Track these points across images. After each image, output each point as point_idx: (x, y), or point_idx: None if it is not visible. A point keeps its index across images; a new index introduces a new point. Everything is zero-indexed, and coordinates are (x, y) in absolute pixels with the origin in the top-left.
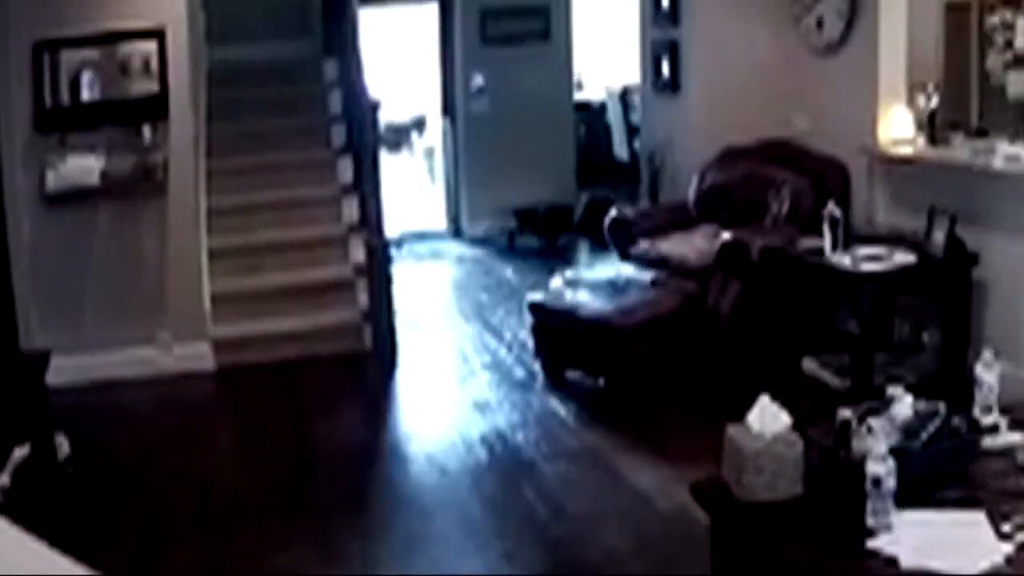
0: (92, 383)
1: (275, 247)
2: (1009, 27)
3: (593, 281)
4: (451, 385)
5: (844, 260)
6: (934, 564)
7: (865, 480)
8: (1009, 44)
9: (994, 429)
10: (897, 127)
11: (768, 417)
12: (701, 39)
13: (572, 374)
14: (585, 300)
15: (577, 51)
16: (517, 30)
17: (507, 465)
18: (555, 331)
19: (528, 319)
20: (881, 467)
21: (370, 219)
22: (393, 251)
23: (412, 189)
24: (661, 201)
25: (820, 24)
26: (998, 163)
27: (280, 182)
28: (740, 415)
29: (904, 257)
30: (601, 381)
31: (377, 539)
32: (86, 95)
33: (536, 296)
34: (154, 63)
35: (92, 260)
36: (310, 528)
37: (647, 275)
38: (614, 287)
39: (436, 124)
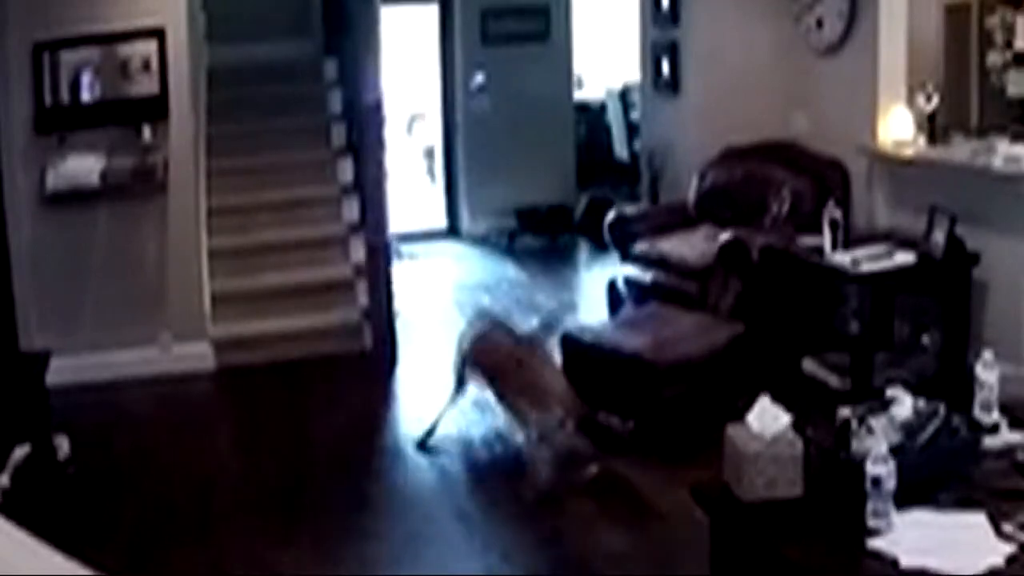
0: (92, 383)
1: (275, 247)
2: (1009, 27)
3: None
4: (451, 385)
5: (844, 260)
6: (934, 564)
7: (865, 480)
8: (1009, 44)
9: (994, 429)
10: (897, 127)
11: (768, 417)
12: (701, 39)
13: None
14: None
15: (577, 51)
16: (517, 30)
17: (507, 465)
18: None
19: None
20: (881, 467)
21: (370, 218)
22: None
23: (412, 188)
24: (661, 201)
25: (820, 24)
26: (998, 163)
27: (280, 182)
28: (740, 415)
29: (904, 257)
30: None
31: (377, 539)
32: (86, 95)
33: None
34: (154, 63)
35: (92, 260)
36: (310, 528)
37: (647, 275)
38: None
39: (436, 123)
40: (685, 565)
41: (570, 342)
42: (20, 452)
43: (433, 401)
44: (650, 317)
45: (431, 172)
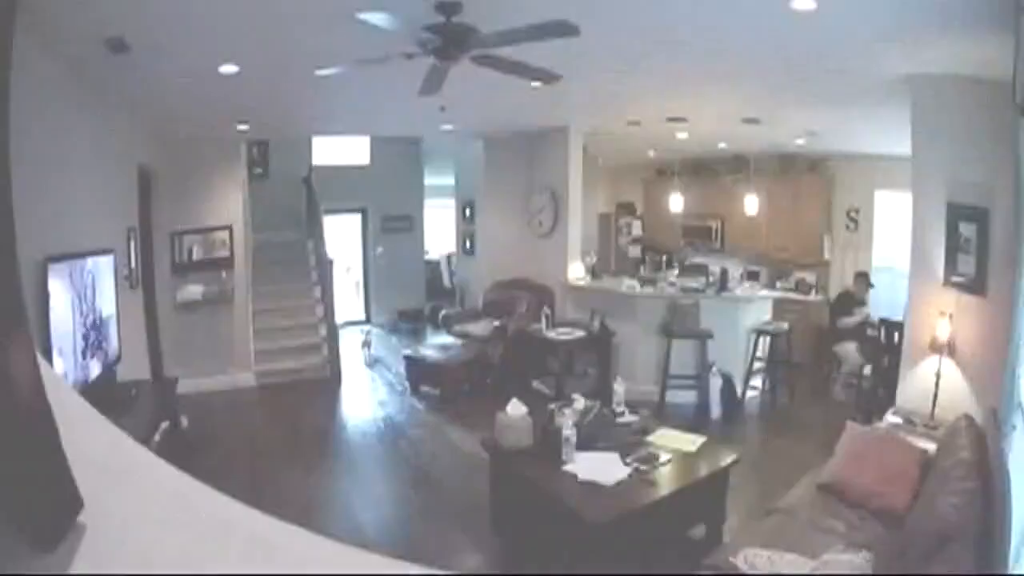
0: (198, 392)
1: (285, 328)
2: (628, 225)
3: (436, 345)
4: (366, 394)
5: (551, 334)
6: (596, 478)
7: (562, 438)
8: (629, 232)
9: (622, 414)
10: (575, 272)
11: (516, 408)
12: (485, 229)
13: (424, 388)
14: (430, 353)
15: (427, 236)
16: (398, 226)
17: (393, 432)
18: (417, 367)
19: (403, 363)
20: (570, 432)
21: (328, 314)
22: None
23: (347, 298)
24: (466, 306)
25: (541, 223)
26: (623, 288)
27: (287, 296)
28: (503, 407)
29: (580, 333)
30: (438, 391)
31: (334, 468)
32: (195, 256)
33: (407, 352)
34: (227, 241)
35: (197, 334)
36: (301, 462)
37: (459, 342)
38: (445, 348)
39: (359, 269)
40: (476, 479)
41: (410, 359)
42: (163, 425)
43: (359, 402)
44: (455, 353)
45: (357, 290)
